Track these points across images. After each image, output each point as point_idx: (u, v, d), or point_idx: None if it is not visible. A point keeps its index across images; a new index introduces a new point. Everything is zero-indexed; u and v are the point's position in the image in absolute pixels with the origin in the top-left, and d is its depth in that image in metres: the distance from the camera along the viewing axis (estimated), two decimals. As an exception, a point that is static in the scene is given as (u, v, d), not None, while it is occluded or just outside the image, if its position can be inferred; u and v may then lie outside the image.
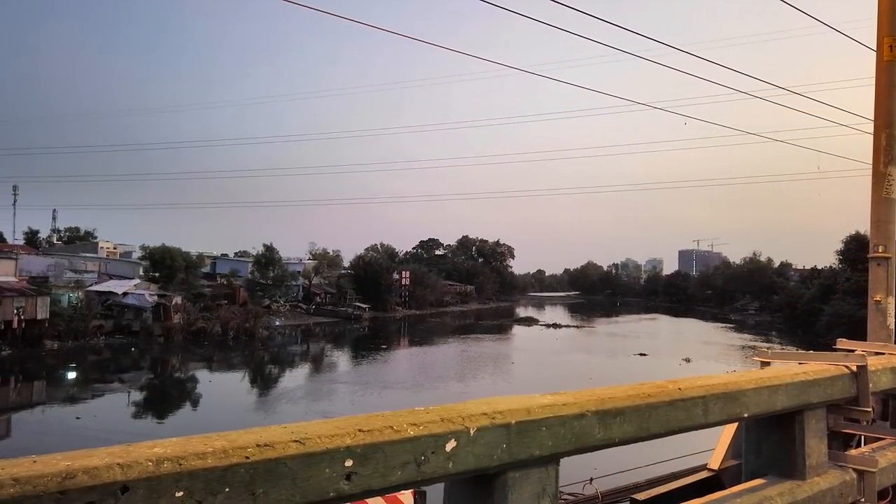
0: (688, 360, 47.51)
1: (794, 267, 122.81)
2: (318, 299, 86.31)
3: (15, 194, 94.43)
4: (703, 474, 3.57)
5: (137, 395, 36.96)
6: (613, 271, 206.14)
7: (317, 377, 44.98)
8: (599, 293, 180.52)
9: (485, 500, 1.94)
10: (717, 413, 2.67)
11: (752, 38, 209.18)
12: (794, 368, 3.28)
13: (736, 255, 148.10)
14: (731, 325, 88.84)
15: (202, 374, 45.70)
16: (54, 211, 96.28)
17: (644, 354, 52.82)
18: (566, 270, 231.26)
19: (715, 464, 3.57)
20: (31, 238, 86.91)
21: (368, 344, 63.84)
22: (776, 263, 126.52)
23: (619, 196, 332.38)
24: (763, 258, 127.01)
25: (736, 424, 3.58)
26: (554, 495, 2.04)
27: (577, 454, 2.12)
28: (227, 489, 1.34)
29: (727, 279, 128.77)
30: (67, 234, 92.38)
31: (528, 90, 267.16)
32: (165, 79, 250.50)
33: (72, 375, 42.50)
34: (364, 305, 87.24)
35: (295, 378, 44.70)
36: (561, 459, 2.08)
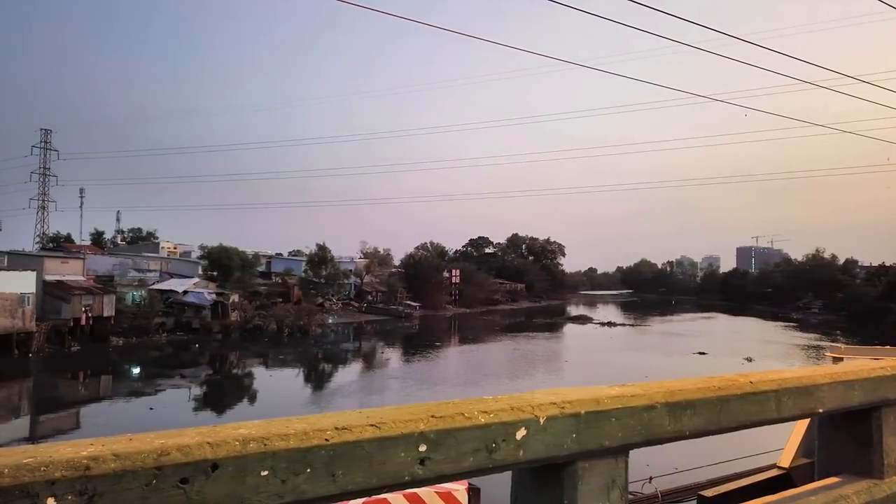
0: (750, 360, 46.14)
1: (860, 264, 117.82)
2: (369, 297, 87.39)
3: (82, 197, 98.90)
4: (773, 472, 3.47)
5: (198, 391, 38.17)
6: (668, 269, 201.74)
7: (369, 373, 45.60)
8: (653, 291, 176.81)
9: (554, 489, 1.93)
10: (790, 407, 2.59)
11: (815, 25, 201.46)
12: (869, 364, 3.15)
13: (797, 252, 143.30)
14: (792, 324, 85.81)
15: (259, 371, 46.90)
16: (118, 212, 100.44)
17: (703, 353, 51.62)
18: (618, 268, 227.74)
19: (785, 462, 3.46)
20: (97, 239, 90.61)
21: (419, 341, 64.26)
22: (841, 260, 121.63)
23: (674, 192, 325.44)
24: (826, 254, 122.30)
25: (807, 423, 3.47)
26: (624, 487, 2.02)
27: (647, 446, 2.09)
28: (308, 470, 1.38)
29: (788, 277, 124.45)
30: (131, 234, 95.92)
31: (575, 86, 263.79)
32: (219, 81, 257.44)
33: (136, 371, 44.19)
34: (414, 303, 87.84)
35: (348, 374, 45.43)
36: (630, 452, 2.06)
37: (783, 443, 4.11)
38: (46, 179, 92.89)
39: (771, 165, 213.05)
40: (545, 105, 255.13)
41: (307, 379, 44.11)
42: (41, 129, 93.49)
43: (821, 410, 2.77)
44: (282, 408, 31.56)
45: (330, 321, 70.83)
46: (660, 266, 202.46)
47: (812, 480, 3.14)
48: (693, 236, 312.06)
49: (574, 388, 2.06)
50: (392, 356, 54.57)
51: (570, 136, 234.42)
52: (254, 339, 58.40)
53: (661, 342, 63.90)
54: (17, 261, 51.83)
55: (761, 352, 52.68)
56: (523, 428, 1.76)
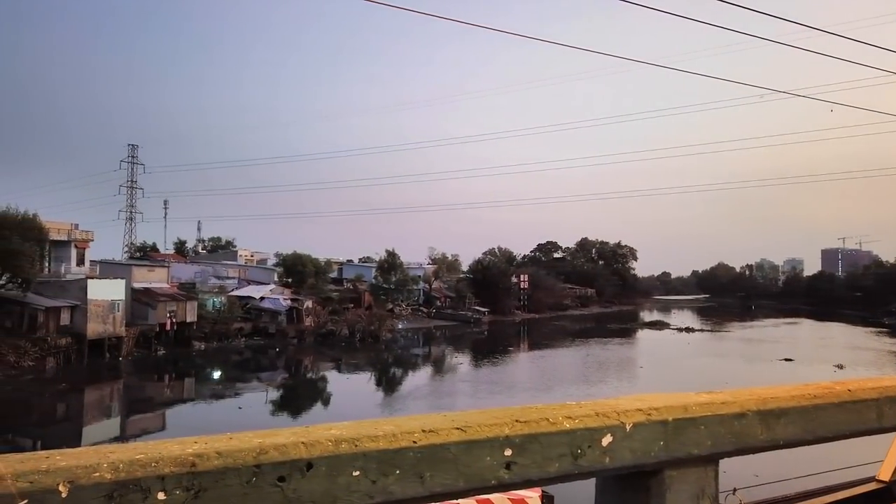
0: (840, 367, 43.75)
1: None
2: (438, 303, 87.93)
3: (165, 208, 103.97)
4: (872, 486, 3.26)
5: (274, 394, 39.35)
6: (747, 272, 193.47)
7: (440, 378, 45.87)
8: (731, 296, 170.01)
9: (640, 498, 1.89)
10: (892, 417, 2.44)
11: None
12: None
13: (889, 254, 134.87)
14: (884, 330, 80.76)
15: (332, 374, 47.98)
16: (199, 222, 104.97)
17: (790, 360, 49.32)
18: (694, 272, 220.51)
19: (886, 475, 3.25)
20: (180, 247, 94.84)
21: (489, 347, 64.14)
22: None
23: (753, 193, 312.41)
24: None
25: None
26: (713, 497, 1.95)
27: (738, 455, 2.01)
28: (397, 471, 1.40)
29: (879, 280, 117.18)
30: (211, 243, 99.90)
31: (648, 86, 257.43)
32: (293, 91, 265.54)
33: (217, 374, 45.98)
34: (483, 309, 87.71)
35: (419, 378, 45.85)
36: (719, 462, 1.99)
37: (882, 454, 3.86)
38: (134, 192, 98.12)
39: (860, 163, 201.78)
40: (615, 106, 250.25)
41: (379, 383, 44.77)
42: (129, 145, 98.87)
43: (927, 421, 2.60)
44: (357, 410, 32.14)
45: (400, 326, 71.66)
46: (738, 270, 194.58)
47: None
48: (774, 238, 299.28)
49: (660, 394, 2.01)
50: (462, 361, 54.68)
51: (639, 137, 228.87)
52: (327, 344, 59.78)
53: (743, 348, 61.42)
54: (107, 269, 54.97)
55: (852, 358, 49.83)
56: (609, 434, 1.73)
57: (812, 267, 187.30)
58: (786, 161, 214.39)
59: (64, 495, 1.07)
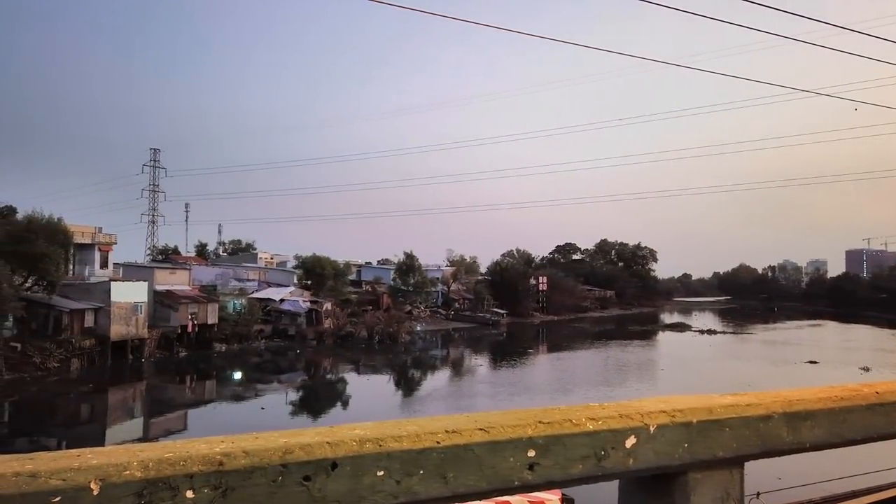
0: (866, 369, 43.03)
1: None
2: (456, 305, 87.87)
3: (187, 211, 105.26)
4: (901, 491, 3.21)
5: (294, 395, 39.60)
6: (769, 274, 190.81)
7: (459, 379, 45.85)
8: (753, 298, 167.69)
9: (664, 500, 1.87)
10: (922, 420, 2.39)
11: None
12: None
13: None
14: (911, 333, 79.28)
15: (351, 376, 48.17)
16: (220, 225, 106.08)
17: (814, 362, 48.62)
18: (715, 274, 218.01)
19: (915, 480, 3.20)
20: (201, 250, 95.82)
21: (508, 348, 63.98)
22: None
23: (774, 193, 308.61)
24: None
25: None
26: (739, 501, 1.93)
27: (764, 458, 1.99)
28: (421, 471, 1.40)
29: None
30: (231, 245, 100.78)
31: (662, 86, 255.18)
32: (323, 96, 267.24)
33: (237, 375, 46.38)
34: (501, 311, 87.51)
35: (438, 380, 45.87)
36: (745, 464, 1.97)
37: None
38: (156, 196, 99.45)
39: (884, 162, 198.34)
40: (634, 107, 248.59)
41: (398, 384, 44.86)
42: (150, 149, 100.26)
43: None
44: (377, 412, 32.23)
45: (418, 328, 71.75)
46: (760, 271, 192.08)
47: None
48: (796, 239, 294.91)
49: (684, 395, 1.99)
50: (481, 363, 54.62)
51: (657, 138, 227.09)
52: (346, 346, 60.04)
53: (766, 351, 60.65)
54: (130, 272, 55.72)
55: (879, 361, 49.04)
56: (633, 436, 1.72)
57: (836, 268, 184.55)
58: (808, 161, 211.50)
59: (95, 493, 1.09)
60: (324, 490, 1.29)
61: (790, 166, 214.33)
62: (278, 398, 37.59)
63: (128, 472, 1.13)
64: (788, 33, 10.32)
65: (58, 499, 1.07)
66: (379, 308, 70.94)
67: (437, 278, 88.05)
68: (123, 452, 1.19)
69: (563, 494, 11.94)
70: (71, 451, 1.20)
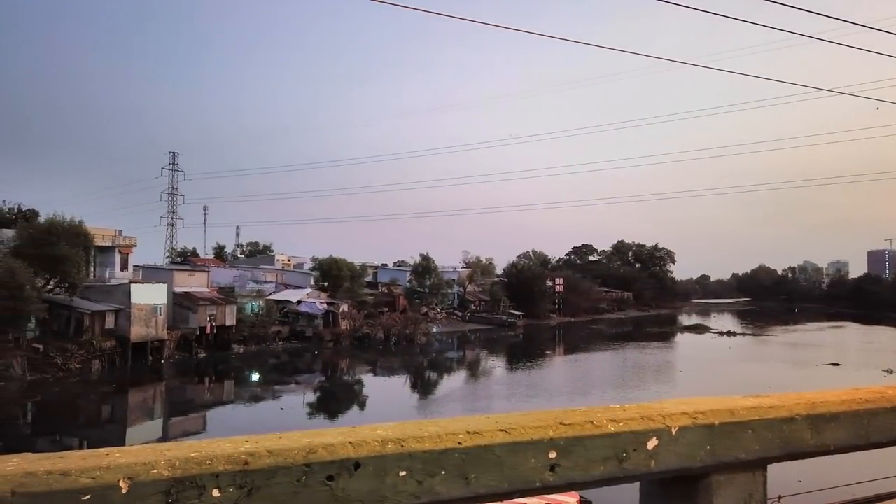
0: (890, 371, 42.40)
1: None
2: (472, 306, 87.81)
3: (205, 214, 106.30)
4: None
5: (312, 396, 39.79)
6: (789, 275, 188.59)
7: (475, 381, 45.83)
8: (773, 299, 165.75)
9: (686, 503, 1.86)
10: (948, 424, 2.35)
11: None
12: None
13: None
14: (936, 334, 77.95)
15: (368, 377, 48.33)
16: (237, 227, 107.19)
17: (836, 364, 48.01)
18: (734, 275, 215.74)
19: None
20: (219, 252, 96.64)
21: (524, 350, 63.83)
22: None
23: (794, 193, 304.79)
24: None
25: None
26: (761, 503, 1.92)
27: (787, 460, 1.98)
28: (442, 472, 1.41)
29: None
30: (249, 248, 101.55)
31: (677, 86, 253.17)
32: (335, 98, 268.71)
33: (255, 376, 46.70)
34: (518, 312, 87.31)
35: (454, 381, 45.87)
36: (768, 467, 1.96)
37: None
38: (174, 199, 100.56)
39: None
40: (651, 107, 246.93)
41: (415, 386, 44.92)
42: (169, 152, 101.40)
43: None
44: (395, 412, 32.29)
45: (434, 330, 71.78)
46: (780, 272, 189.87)
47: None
48: (817, 240, 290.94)
49: (705, 397, 1.98)
50: (498, 364, 54.54)
51: (675, 138, 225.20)
52: (363, 347, 60.24)
53: (786, 353, 59.95)
54: (150, 274, 56.35)
55: (902, 363, 48.24)
56: (654, 438, 1.72)
57: (858, 269, 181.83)
58: (828, 161, 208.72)
59: (124, 491, 1.11)
60: (347, 490, 1.30)
61: (810, 166, 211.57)
62: (297, 399, 37.78)
63: (155, 471, 1.15)
64: (806, 32, 10.21)
65: (88, 497, 1.09)
66: (395, 310, 71.11)
67: (453, 280, 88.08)
68: (151, 451, 1.21)
69: (580, 497, 11.88)
70: (99, 450, 1.22)
